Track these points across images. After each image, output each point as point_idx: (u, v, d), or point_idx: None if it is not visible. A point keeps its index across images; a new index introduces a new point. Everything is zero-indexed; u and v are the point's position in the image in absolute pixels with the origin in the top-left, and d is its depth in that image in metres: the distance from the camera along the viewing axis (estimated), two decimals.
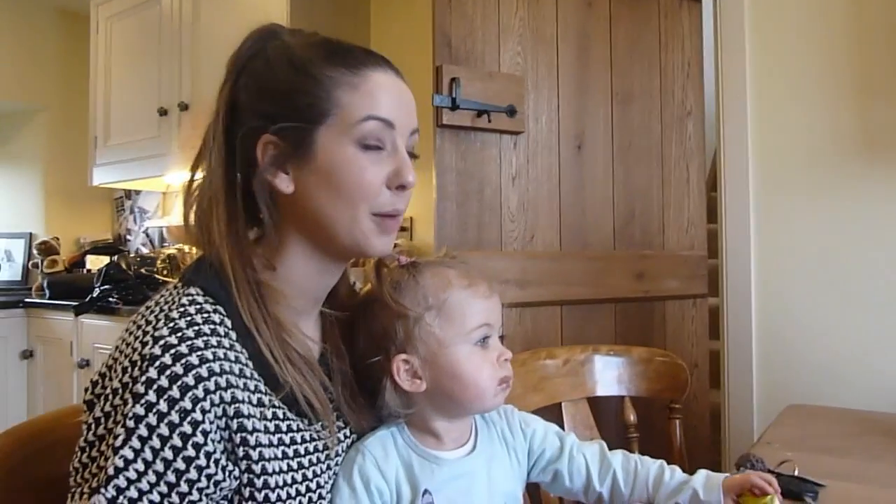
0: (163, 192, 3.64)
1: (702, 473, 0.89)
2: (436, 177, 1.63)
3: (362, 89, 0.76)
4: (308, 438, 0.78)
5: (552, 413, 1.34)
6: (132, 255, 3.25)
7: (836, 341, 1.99)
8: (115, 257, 3.12)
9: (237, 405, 0.70)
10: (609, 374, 1.49)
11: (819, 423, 1.45)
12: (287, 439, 0.76)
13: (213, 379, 0.68)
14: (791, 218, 2.07)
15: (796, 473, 1.04)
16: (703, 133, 2.14)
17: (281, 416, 0.76)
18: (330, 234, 0.77)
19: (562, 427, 1.12)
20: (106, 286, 2.78)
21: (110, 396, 0.68)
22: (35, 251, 3.59)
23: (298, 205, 0.78)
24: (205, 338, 0.70)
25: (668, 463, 0.92)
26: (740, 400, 2.13)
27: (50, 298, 3.19)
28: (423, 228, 2.60)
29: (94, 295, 2.77)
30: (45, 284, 3.28)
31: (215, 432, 0.68)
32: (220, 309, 0.74)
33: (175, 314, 0.71)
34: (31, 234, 3.83)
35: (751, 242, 2.13)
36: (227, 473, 0.69)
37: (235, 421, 0.70)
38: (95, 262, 3.45)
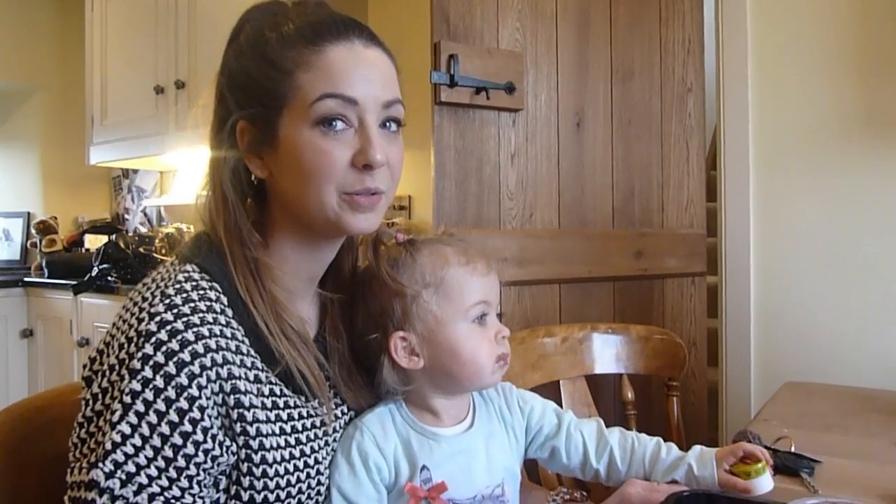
0: (160, 172, 3.63)
1: (696, 449, 0.89)
2: (434, 155, 1.62)
3: (318, 68, 0.74)
4: (305, 415, 0.79)
5: (551, 391, 1.35)
6: (130, 234, 3.24)
7: (834, 319, 1.99)
8: (114, 236, 3.11)
9: (233, 381, 0.70)
10: (607, 352, 1.50)
11: (816, 401, 1.45)
12: (284, 415, 0.76)
13: (209, 355, 0.69)
14: (791, 196, 2.07)
15: (793, 450, 1.05)
16: (704, 110, 2.13)
17: (277, 393, 0.76)
18: (306, 216, 0.77)
19: (560, 404, 1.13)
20: (104, 265, 2.78)
21: (107, 372, 0.69)
22: (33, 230, 3.59)
23: (274, 188, 0.79)
24: (200, 314, 0.70)
25: (666, 440, 0.93)
26: (738, 377, 2.14)
27: (49, 278, 3.19)
28: (421, 206, 2.59)
29: (93, 274, 2.77)
30: (43, 264, 3.28)
31: (212, 408, 0.69)
32: (216, 285, 0.75)
33: (171, 290, 0.71)
34: (28, 213, 3.82)
35: (750, 221, 2.13)
36: (224, 449, 0.70)
37: (232, 397, 0.70)
38: (94, 242, 3.44)
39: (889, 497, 0.90)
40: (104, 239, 3.22)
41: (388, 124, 0.78)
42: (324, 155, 0.74)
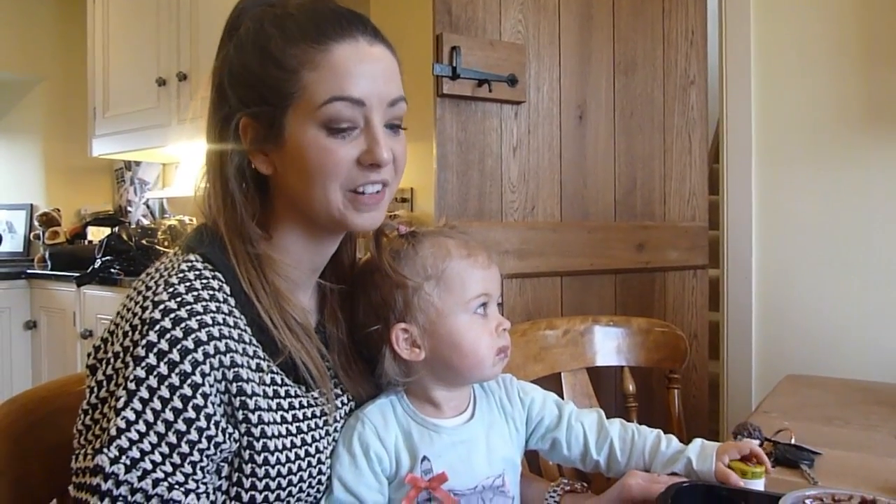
0: (163, 164, 3.63)
1: (697, 443, 0.90)
2: (436, 147, 1.62)
3: (325, 67, 0.73)
4: (306, 404, 0.79)
5: (552, 383, 1.36)
6: (133, 227, 3.25)
7: (835, 312, 2.00)
8: (116, 228, 3.13)
9: (236, 369, 0.71)
10: (609, 345, 1.50)
11: (817, 393, 1.46)
12: (286, 404, 0.77)
13: (212, 343, 0.69)
14: (793, 189, 2.07)
15: (793, 442, 1.05)
16: (706, 103, 2.12)
17: (279, 382, 0.77)
18: (310, 212, 0.78)
19: (561, 396, 1.13)
20: (107, 257, 2.79)
21: (111, 360, 0.70)
22: (36, 222, 3.59)
23: (279, 184, 0.79)
24: (203, 303, 0.71)
25: (666, 432, 0.93)
26: (739, 370, 2.15)
27: (52, 270, 3.20)
28: (423, 199, 2.59)
29: (96, 266, 2.78)
30: (46, 256, 3.29)
31: (215, 395, 0.70)
32: (219, 275, 0.75)
33: (174, 279, 0.72)
34: (31, 205, 3.82)
35: (752, 213, 2.13)
36: (227, 436, 0.71)
37: (235, 384, 0.71)
38: (96, 234, 3.45)
39: (889, 489, 0.90)
40: (107, 231, 3.23)
41: (392, 121, 0.79)
42: (330, 155, 0.74)
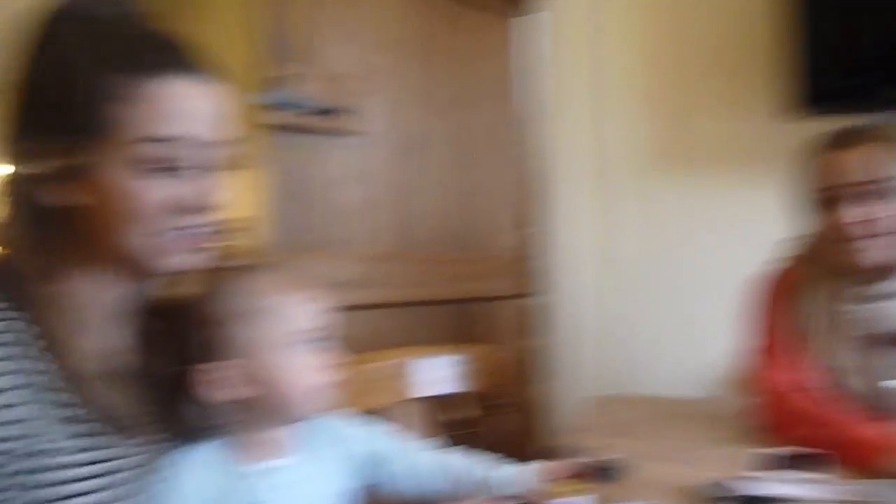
0: None
1: (519, 466, 0.93)
2: (269, 178, 1.58)
3: (141, 104, 0.68)
4: (117, 455, 0.73)
5: (381, 416, 1.35)
6: None
7: (647, 334, 2.20)
8: None
9: (30, 422, 0.65)
10: (437, 374, 1.53)
11: (627, 411, 1.58)
12: (98, 456, 0.71)
13: (14, 391, 0.64)
14: (612, 220, 2.26)
15: (603, 457, 1.12)
16: (532, 138, 2.26)
17: (89, 431, 0.71)
18: (117, 251, 0.72)
19: (393, 430, 1.13)
20: None
21: None
22: None
23: (84, 218, 0.71)
24: (6, 347, 0.65)
25: (494, 457, 0.96)
26: (560, 393, 2.29)
27: None
28: (256, 231, 2.50)
29: None
30: None
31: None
32: (21, 317, 0.68)
33: None
34: None
35: (569, 245, 2.29)
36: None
37: (25, 441, 0.65)
38: None
39: (682, 494, 0.99)
40: None
41: (211, 164, 0.74)
42: (140, 199, 0.69)
